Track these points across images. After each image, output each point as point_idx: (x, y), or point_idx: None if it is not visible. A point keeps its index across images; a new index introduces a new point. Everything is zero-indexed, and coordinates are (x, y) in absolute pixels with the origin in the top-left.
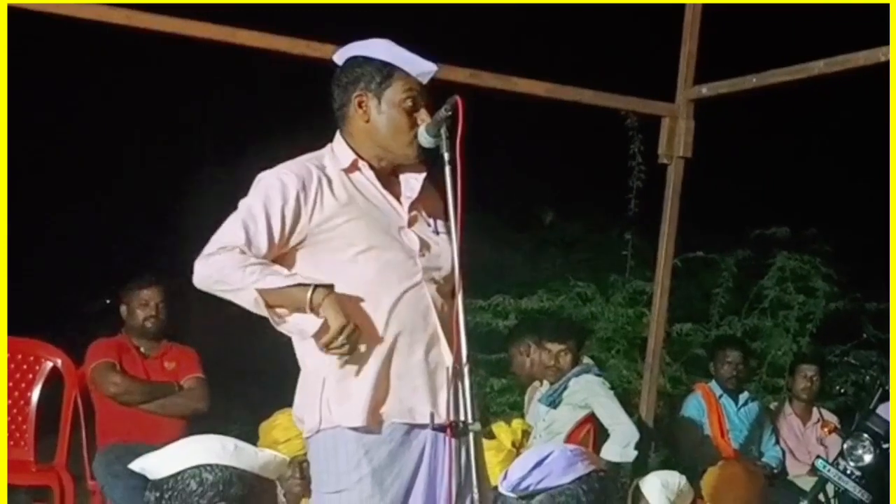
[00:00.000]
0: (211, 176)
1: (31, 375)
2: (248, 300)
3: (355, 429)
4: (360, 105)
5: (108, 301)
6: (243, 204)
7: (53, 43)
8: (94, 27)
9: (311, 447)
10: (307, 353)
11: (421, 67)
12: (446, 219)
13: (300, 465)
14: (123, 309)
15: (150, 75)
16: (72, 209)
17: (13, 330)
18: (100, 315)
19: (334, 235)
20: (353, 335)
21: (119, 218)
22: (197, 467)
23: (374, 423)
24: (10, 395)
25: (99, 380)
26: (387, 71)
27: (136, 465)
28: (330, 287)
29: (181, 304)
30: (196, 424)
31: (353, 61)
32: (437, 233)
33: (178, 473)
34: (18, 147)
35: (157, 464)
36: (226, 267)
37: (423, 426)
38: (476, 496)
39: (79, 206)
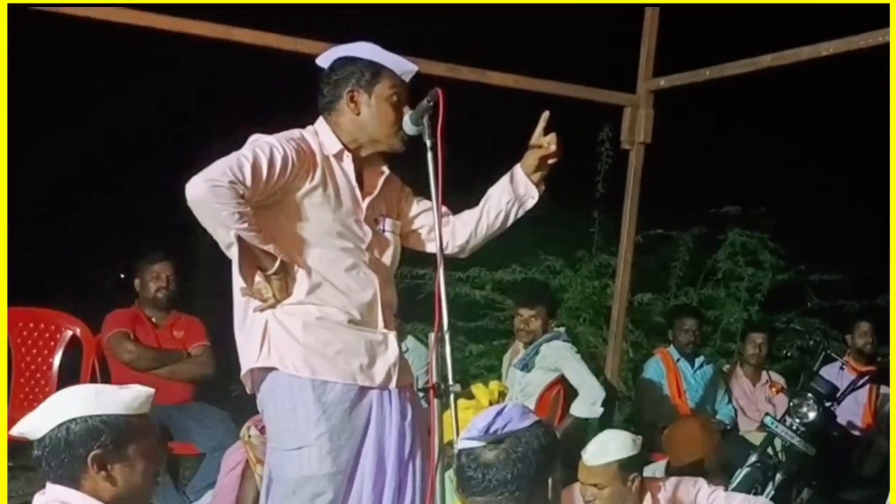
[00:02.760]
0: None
1: (52, 343)
2: (225, 240)
3: (313, 390)
4: (351, 99)
5: (122, 276)
6: (249, 148)
7: (73, 37)
8: (108, 26)
9: (268, 409)
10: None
11: (404, 67)
12: (395, 217)
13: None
14: (136, 282)
15: (162, 68)
16: (93, 194)
17: (38, 301)
18: (115, 288)
19: (301, 214)
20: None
21: (134, 200)
22: (63, 423)
23: (307, 376)
24: (33, 361)
25: (114, 347)
26: (375, 69)
27: (16, 431)
28: (289, 265)
29: (189, 277)
30: (202, 388)
31: (343, 61)
32: (383, 231)
33: (49, 432)
34: (42, 135)
35: (30, 426)
36: (228, 204)
37: (370, 388)
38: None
39: (98, 191)
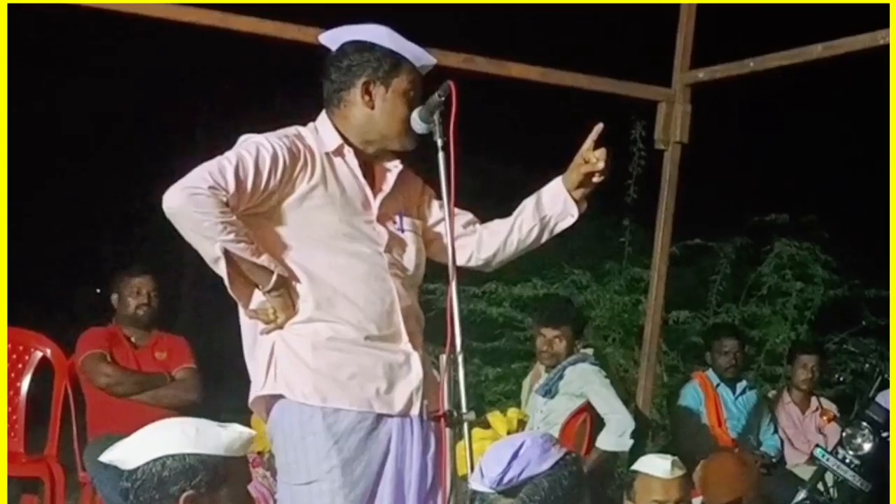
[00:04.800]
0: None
1: (20, 366)
2: (210, 254)
3: (324, 418)
4: (366, 91)
5: (98, 290)
6: (234, 151)
7: (38, 28)
8: (83, 11)
9: (276, 439)
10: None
11: (423, 59)
12: (414, 216)
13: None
14: (115, 298)
15: (140, 62)
16: (61, 196)
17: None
18: (90, 304)
19: (303, 219)
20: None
21: (109, 206)
22: (159, 458)
23: (317, 404)
24: None
25: (89, 371)
26: (394, 60)
27: (106, 458)
28: (287, 279)
29: (172, 293)
30: (187, 415)
31: (358, 46)
32: (401, 230)
33: (144, 465)
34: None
35: (124, 455)
36: (209, 213)
37: (388, 416)
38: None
39: (68, 194)
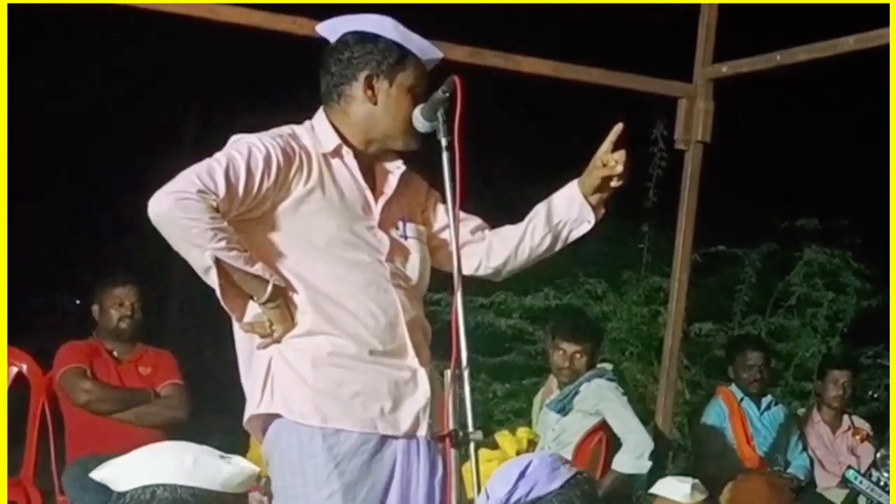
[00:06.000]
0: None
1: None
2: (200, 263)
3: (324, 440)
4: (369, 86)
5: (78, 301)
6: (224, 153)
7: (17, 24)
8: (64, 5)
9: (272, 461)
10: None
11: (430, 53)
12: (418, 221)
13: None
14: (96, 309)
15: (122, 58)
16: (37, 200)
17: None
18: (69, 316)
19: (299, 225)
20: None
21: (91, 211)
22: (149, 486)
23: (317, 424)
24: None
25: (68, 387)
26: (399, 53)
27: (97, 475)
28: (284, 290)
29: (158, 304)
30: (174, 434)
31: (360, 37)
32: (404, 237)
33: (132, 490)
34: None
35: (115, 476)
36: (198, 219)
37: (393, 437)
38: None
39: (44, 198)
